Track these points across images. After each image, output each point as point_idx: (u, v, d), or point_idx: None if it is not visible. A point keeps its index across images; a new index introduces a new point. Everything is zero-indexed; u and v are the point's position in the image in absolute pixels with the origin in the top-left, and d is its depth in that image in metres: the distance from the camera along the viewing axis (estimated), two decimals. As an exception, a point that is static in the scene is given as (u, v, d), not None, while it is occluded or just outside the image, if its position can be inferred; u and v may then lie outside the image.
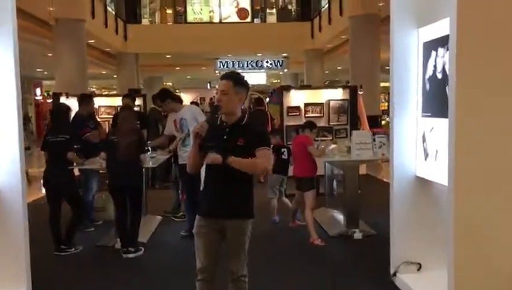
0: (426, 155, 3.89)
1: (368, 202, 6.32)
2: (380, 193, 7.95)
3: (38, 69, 21.12)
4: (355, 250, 5.23)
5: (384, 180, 9.40)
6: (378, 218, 6.26)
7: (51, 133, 5.19)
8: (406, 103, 4.07)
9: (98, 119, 7.80)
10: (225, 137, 2.89)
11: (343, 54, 17.40)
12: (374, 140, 5.37)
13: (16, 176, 3.72)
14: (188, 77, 27.99)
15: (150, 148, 6.02)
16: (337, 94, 8.28)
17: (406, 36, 4.02)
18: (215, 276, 2.96)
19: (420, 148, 3.99)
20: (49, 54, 14.27)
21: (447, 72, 3.39)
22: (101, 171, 5.84)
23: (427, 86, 3.87)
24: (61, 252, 5.14)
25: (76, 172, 5.92)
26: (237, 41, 18.06)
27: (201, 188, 3.06)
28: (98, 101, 9.24)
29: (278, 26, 20.04)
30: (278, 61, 21.17)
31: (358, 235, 5.46)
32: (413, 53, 4.02)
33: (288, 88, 8.37)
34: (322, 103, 8.17)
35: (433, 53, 3.75)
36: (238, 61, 21.01)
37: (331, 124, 8.12)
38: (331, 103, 8.17)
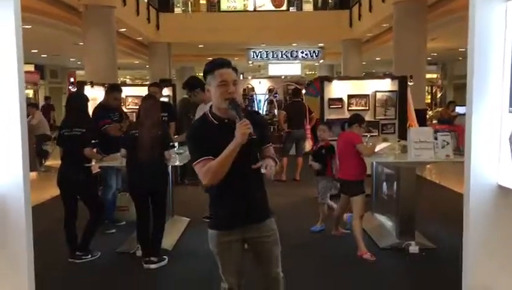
0: (515, 160, 3.09)
1: (422, 209, 5.52)
2: (438, 200, 7.15)
3: (71, 59, 21.01)
4: (413, 267, 4.48)
5: (440, 183, 8.58)
6: (436, 229, 5.50)
7: (65, 126, 4.63)
8: (488, 95, 3.26)
9: (126, 111, 7.27)
10: (229, 135, 2.43)
11: (382, 44, 16.54)
12: (436, 138, 4.58)
13: (17, 181, 3.11)
14: (221, 67, 27.42)
15: (176, 144, 5.41)
16: (384, 85, 7.48)
17: (489, 11, 3.20)
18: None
19: (506, 151, 3.19)
20: (81, 43, 13.95)
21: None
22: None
23: (519, 74, 3.06)
24: (76, 259, 4.60)
25: (96, 168, 5.37)
26: (271, 30, 17.40)
27: (214, 200, 2.61)
28: (125, 91, 8.76)
29: (315, 14, 19.24)
30: (314, 51, 20.40)
31: (414, 248, 4.70)
32: (499, 33, 3.21)
33: (329, 78, 7.61)
34: (368, 95, 7.38)
35: (530, 31, 2.94)
36: (272, 52, 20.34)
37: (377, 118, 7.34)
38: (378, 94, 7.38)
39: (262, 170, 2.44)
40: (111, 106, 5.87)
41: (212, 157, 2.40)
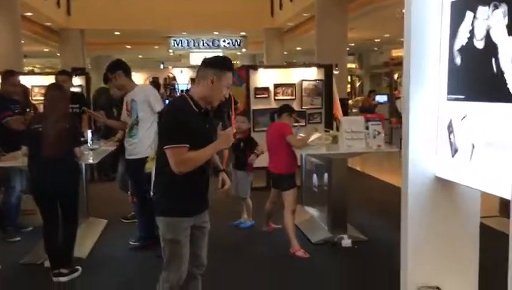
0: (454, 151, 2.95)
1: (353, 201, 5.39)
2: (366, 190, 7.12)
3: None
4: (346, 262, 4.32)
5: (368, 173, 8.60)
6: (366, 220, 5.42)
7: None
8: (425, 83, 3.10)
9: (33, 102, 6.51)
10: (207, 126, 2.66)
11: (303, 34, 16.62)
12: (367, 128, 4.44)
13: None
14: (140, 56, 26.41)
15: (89, 138, 4.87)
16: (310, 74, 7.32)
17: (425, -6, 3.04)
18: None
19: (444, 141, 3.05)
20: (-21, 27, 12.56)
21: (494, 39, 2.44)
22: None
23: (457, 60, 2.91)
24: (-30, 275, 3.95)
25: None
26: (192, 18, 16.89)
27: (177, 187, 2.61)
28: (32, 80, 7.92)
29: (236, 2, 18.86)
30: (236, 40, 20.16)
31: (346, 241, 4.56)
32: (435, 16, 3.05)
33: (255, 66, 7.33)
34: (294, 84, 7.19)
35: (469, 15, 2.79)
36: (193, 40, 19.82)
37: (303, 107, 7.17)
38: (304, 83, 7.21)
39: (219, 187, 2.78)
40: (10, 96, 5.16)
41: (188, 146, 2.48)
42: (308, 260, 4.28)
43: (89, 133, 4.97)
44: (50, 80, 7.45)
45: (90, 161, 4.64)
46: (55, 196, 3.83)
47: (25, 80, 6.65)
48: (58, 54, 18.41)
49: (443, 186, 3.09)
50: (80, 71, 8.51)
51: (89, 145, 4.86)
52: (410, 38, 3.11)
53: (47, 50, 19.67)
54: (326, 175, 5.06)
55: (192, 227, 2.64)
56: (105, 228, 5.31)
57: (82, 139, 4.05)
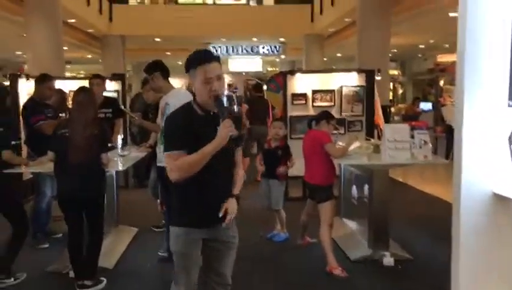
0: (517, 164, 2.59)
1: (396, 215, 4.99)
2: (409, 203, 6.64)
3: (17, 52, 19.68)
4: (389, 283, 3.96)
5: (411, 184, 8.05)
6: (409, 236, 5.03)
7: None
8: (482, 87, 2.74)
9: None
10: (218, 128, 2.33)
11: (344, 39, 16.24)
12: (413, 137, 4.08)
13: None
14: (180, 62, 26.61)
15: (119, 144, 4.73)
16: (350, 80, 6.99)
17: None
18: None
19: (504, 153, 2.69)
20: (24, 34, 12.89)
21: None
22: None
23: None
24: (-6, 283, 3.85)
25: (28, 173, 4.61)
26: (231, 24, 16.81)
27: (181, 195, 2.41)
28: (69, 85, 7.94)
29: (275, 8, 18.72)
30: (275, 46, 19.96)
31: (388, 260, 4.20)
32: (494, 16, 2.70)
33: (292, 72, 7.06)
34: (333, 90, 6.88)
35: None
36: (233, 46, 19.74)
37: (343, 114, 6.84)
38: (344, 89, 6.88)
39: (220, 214, 2.34)
40: (44, 100, 5.10)
41: (186, 152, 2.30)
42: (346, 280, 3.96)
43: (119, 139, 4.81)
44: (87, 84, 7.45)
45: (120, 168, 4.47)
46: (81, 204, 3.68)
47: (63, 85, 6.63)
48: (100, 60, 18.71)
49: (502, 205, 2.72)
50: (118, 76, 8.46)
51: (119, 151, 4.72)
52: (465, 40, 2.74)
53: (90, 56, 20.06)
54: (366, 186, 4.74)
55: (214, 241, 2.45)
56: (134, 237, 5.15)
57: (110, 145, 3.88)
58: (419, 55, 21.76)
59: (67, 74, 15.50)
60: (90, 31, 16.48)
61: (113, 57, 17.39)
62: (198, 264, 2.48)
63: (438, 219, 5.60)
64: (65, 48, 13.48)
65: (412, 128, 4.15)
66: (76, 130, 3.62)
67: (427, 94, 18.03)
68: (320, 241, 4.22)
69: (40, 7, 10.56)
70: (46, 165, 3.98)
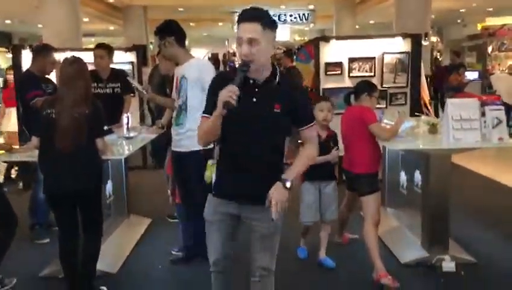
0: None
1: (456, 209, 4.01)
2: (474, 194, 5.47)
3: (39, 25, 19.23)
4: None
5: (477, 171, 6.54)
6: (475, 235, 4.18)
7: None
8: None
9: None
10: (254, 100, 2.17)
11: (378, 4, 15.08)
12: (483, 114, 3.24)
13: None
14: (205, 34, 25.82)
15: (126, 124, 4.05)
16: (393, 46, 6.08)
17: None
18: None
19: None
20: (39, 6, 12.28)
21: None
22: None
23: None
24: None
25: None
26: (257, -9, 15.79)
27: (224, 162, 2.26)
28: (85, 57, 7.27)
29: (304, -28, 17.60)
30: (304, 14, 18.89)
31: (449, 265, 3.43)
32: None
33: (327, 38, 6.18)
34: (373, 58, 5.99)
35: None
36: (259, 15, 18.71)
37: (385, 86, 5.97)
38: (386, 57, 5.99)
39: (266, 204, 2.10)
40: (43, 74, 4.45)
41: (206, 115, 2.21)
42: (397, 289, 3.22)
43: (125, 118, 4.12)
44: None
45: (126, 152, 3.75)
46: (72, 199, 3.02)
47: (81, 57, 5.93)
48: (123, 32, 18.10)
49: None
50: (133, 48, 7.72)
51: (125, 132, 4.04)
52: None
53: (112, 28, 19.45)
54: (418, 173, 3.94)
55: (247, 219, 2.29)
56: (146, 230, 4.49)
57: (105, 128, 3.19)
58: (458, 21, 20.31)
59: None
60: (111, 1, 15.88)
61: (135, 28, 16.85)
62: (223, 237, 2.32)
63: (510, 214, 4.70)
64: (86, 19, 12.83)
65: (483, 104, 3.29)
66: (64, 109, 2.93)
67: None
68: (365, 242, 3.46)
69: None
70: (34, 153, 3.32)
